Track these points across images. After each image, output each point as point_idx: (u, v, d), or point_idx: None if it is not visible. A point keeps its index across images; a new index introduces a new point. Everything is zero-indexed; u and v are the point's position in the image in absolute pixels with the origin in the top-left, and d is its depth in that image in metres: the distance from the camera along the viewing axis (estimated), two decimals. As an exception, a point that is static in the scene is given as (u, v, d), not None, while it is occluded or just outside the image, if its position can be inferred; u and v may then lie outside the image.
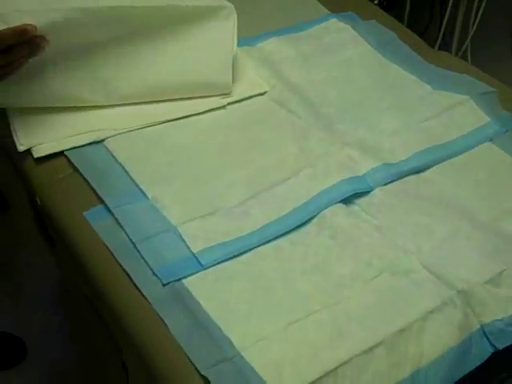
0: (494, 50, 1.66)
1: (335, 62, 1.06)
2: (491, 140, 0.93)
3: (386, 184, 0.85)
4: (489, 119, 0.95)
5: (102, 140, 0.87)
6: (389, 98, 0.99)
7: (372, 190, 0.84)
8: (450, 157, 0.90)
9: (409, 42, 1.12)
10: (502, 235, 0.79)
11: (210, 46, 0.93)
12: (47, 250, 1.04)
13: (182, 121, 0.92)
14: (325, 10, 1.19)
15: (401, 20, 1.46)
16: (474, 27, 1.52)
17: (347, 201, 0.82)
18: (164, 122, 0.91)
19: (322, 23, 1.14)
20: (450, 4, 1.49)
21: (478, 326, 0.70)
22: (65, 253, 0.80)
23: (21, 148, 0.85)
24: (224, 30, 0.94)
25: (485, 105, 0.97)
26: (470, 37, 1.53)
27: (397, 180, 0.86)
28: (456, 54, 1.56)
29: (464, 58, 1.57)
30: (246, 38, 1.07)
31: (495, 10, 1.49)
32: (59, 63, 0.86)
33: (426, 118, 0.95)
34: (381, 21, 1.17)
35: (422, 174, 0.87)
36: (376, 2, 1.37)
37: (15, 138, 0.86)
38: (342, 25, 1.14)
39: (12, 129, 0.88)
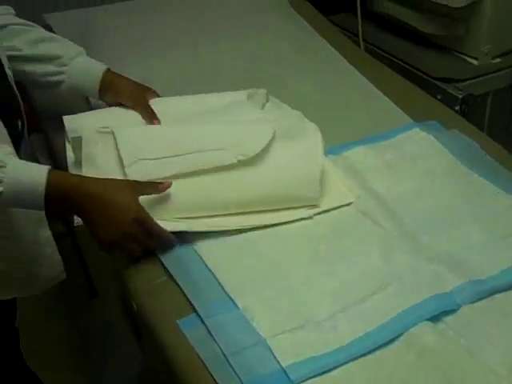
0: None
1: (419, 172, 1.09)
2: None
3: (473, 302, 0.85)
4: None
5: (195, 245, 0.92)
6: (473, 210, 1.00)
7: (459, 308, 0.83)
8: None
9: (489, 150, 1.14)
10: None
11: (300, 162, 0.99)
12: (133, 339, 1.07)
13: (271, 230, 0.95)
14: (408, 119, 1.23)
15: (481, 124, 1.47)
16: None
17: (434, 318, 0.82)
18: (253, 229, 0.95)
19: (405, 132, 1.17)
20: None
21: None
22: (156, 355, 0.83)
23: None
24: (312, 146, 1.00)
25: None
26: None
27: (484, 298, 0.85)
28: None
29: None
30: (333, 147, 1.11)
31: None
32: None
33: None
34: (462, 129, 1.20)
35: (510, 292, 0.87)
36: (457, 108, 1.40)
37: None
38: (424, 134, 1.17)
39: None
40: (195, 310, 0.81)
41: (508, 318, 0.82)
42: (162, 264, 0.89)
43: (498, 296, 0.86)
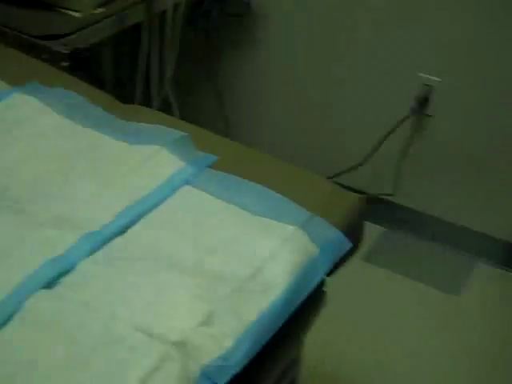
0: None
1: (25, 138, 1.03)
2: (190, 183, 0.97)
3: (91, 254, 0.83)
4: (184, 163, 0.99)
5: None
6: (83, 165, 0.99)
7: (76, 265, 0.82)
8: (152, 209, 0.91)
9: (101, 102, 1.13)
10: (206, 275, 0.82)
11: None
12: None
13: None
14: (4, 85, 1.15)
15: (98, 76, 1.46)
16: (168, 74, 1.59)
17: (52, 283, 0.79)
18: None
19: (3, 100, 1.10)
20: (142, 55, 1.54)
21: (199, 372, 0.71)
22: None
23: None
24: None
25: (178, 150, 1.01)
26: (166, 83, 1.60)
27: (102, 247, 0.85)
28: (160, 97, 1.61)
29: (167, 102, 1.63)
30: None
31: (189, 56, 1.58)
32: None
33: (122, 175, 0.96)
34: (70, 86, 1.17)
35: (128, 234, 0.88)
36: (66, 64, 1.36)
37: None
38: (26, 97, 1.11)
39: None
40: None
41: (126, 260, 0.83)
42: None
43: (115, 241, 0.86)
